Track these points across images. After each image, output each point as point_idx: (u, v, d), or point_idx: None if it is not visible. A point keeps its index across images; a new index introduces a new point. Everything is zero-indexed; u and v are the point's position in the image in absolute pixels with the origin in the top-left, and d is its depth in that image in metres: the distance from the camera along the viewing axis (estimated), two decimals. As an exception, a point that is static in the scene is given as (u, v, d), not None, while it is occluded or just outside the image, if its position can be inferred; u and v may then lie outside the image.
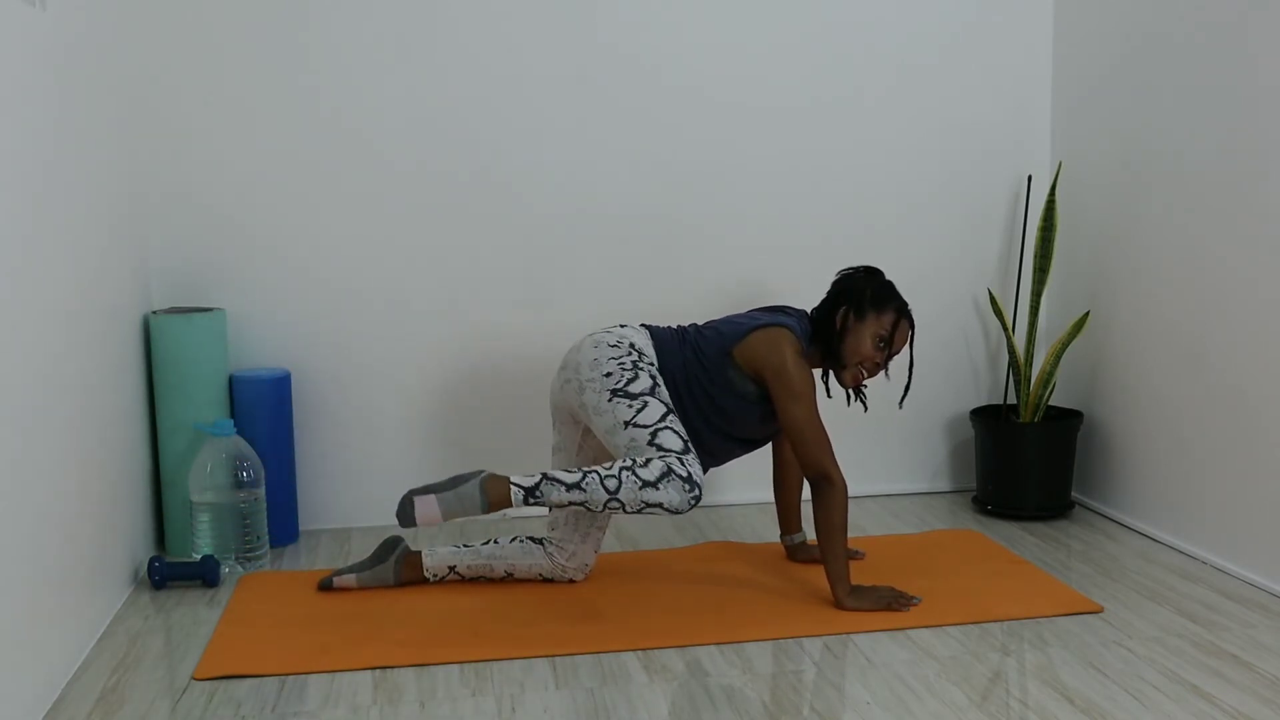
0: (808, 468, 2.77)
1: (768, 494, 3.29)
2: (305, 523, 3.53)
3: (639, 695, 2.39)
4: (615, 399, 2.72)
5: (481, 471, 2.65)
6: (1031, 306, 3.66)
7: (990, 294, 3.74)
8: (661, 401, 2.74)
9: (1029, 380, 3.62)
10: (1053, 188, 3.60)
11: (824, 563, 2.80)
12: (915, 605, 2.79)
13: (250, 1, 3.35)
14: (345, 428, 3.54)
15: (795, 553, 3.17)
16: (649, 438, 2.67)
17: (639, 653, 2.59)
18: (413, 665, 2.53)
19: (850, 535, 3.37)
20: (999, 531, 3.45)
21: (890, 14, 3.67)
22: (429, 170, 3.48)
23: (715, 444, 2.90)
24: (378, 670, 2.52)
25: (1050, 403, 3.71)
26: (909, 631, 2.69)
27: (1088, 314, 3.59)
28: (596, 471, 2.61)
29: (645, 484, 2.60)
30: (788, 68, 3.63)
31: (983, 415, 3.67)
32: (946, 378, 3.85)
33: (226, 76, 3.36)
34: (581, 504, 2.61)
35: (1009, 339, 3.64)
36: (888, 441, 3.83)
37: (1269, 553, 2.93)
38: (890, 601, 2.78)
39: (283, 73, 3.39)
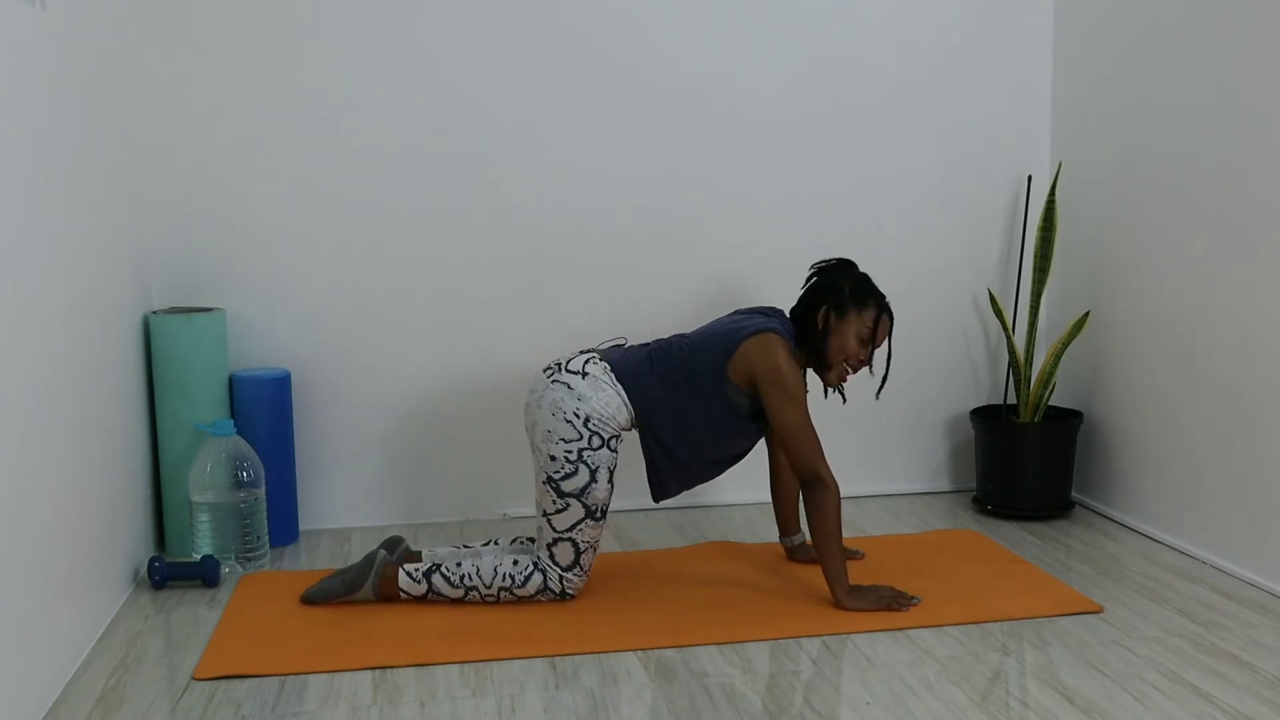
0: (800, 469, 2.77)
1: (767, 494, 3.29)
2: (305, 523, 3.53)
3: (639, 695, 2.39)
4: (547, 486, 2.80)
5: (376, 559, 2.86)
6: (1031, 306, 3.66)
7: (990, 294, 3.74)
8: (584, 504, 2.78)
9: (1029, 380, 3.62)
10: (1053, 188, 3.60)
11: (821, 564, 2.80)
12: (915, 605, 2.79)
13: (251, 2, 3.35)
14: (345, 428, 3.54)
15: (795, 553, 3.17)
16: (550, 540, 2.82)
17: (639, 653, 2.59)
18: (413, 665, 2.53)
19: (850, 535, 3.38)
20: (999, 531, 3.45)
21: (890, 14, 3.67)
22: (428, 171, 3.48)
23: (706, 470, 2.92)
24: (378, 670, 2.52)
25: (1050, 403, 3.71)
26: (909, 631, 2.69)
27: (1088, 314, 3.59)
28: (477, 589, 2.83)
29: (520, 598, 2.85)
30: (787, 68, 3.63)
31: (983, 415, 3.67)
32: (946, 378, 3.85)
33: (227, 77, 3.36)
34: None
35: (1009, 339, 3.64)
36: (888, 441, 3.83)
37: (1269, 553, 2.93)
38: (890, 601, 2.78)
39: (283, 74, 3.39)
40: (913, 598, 2.81)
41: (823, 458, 2.77)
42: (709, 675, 2.48)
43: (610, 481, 2.81)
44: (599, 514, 2.81)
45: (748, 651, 2.60)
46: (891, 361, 3.03)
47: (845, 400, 3.08)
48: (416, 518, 3.60)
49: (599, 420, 2.78)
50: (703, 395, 2.81)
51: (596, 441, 2.77)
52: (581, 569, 2.83)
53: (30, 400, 2.34)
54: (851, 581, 2.81)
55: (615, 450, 2.82)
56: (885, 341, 2.93)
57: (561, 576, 2.82)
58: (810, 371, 2.98)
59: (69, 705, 2.36)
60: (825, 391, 3.04)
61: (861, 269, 2.99)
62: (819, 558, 2.80)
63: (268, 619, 2.79)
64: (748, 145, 3.63)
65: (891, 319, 2.92)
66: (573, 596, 2.86)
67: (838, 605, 2.78)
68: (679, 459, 2.87)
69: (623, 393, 2.81)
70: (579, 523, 2.80)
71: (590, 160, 3.56)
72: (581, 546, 2.82)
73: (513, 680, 2.46)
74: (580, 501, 2.78)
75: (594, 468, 2.77)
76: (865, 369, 2.95)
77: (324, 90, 3.41)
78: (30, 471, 2.33)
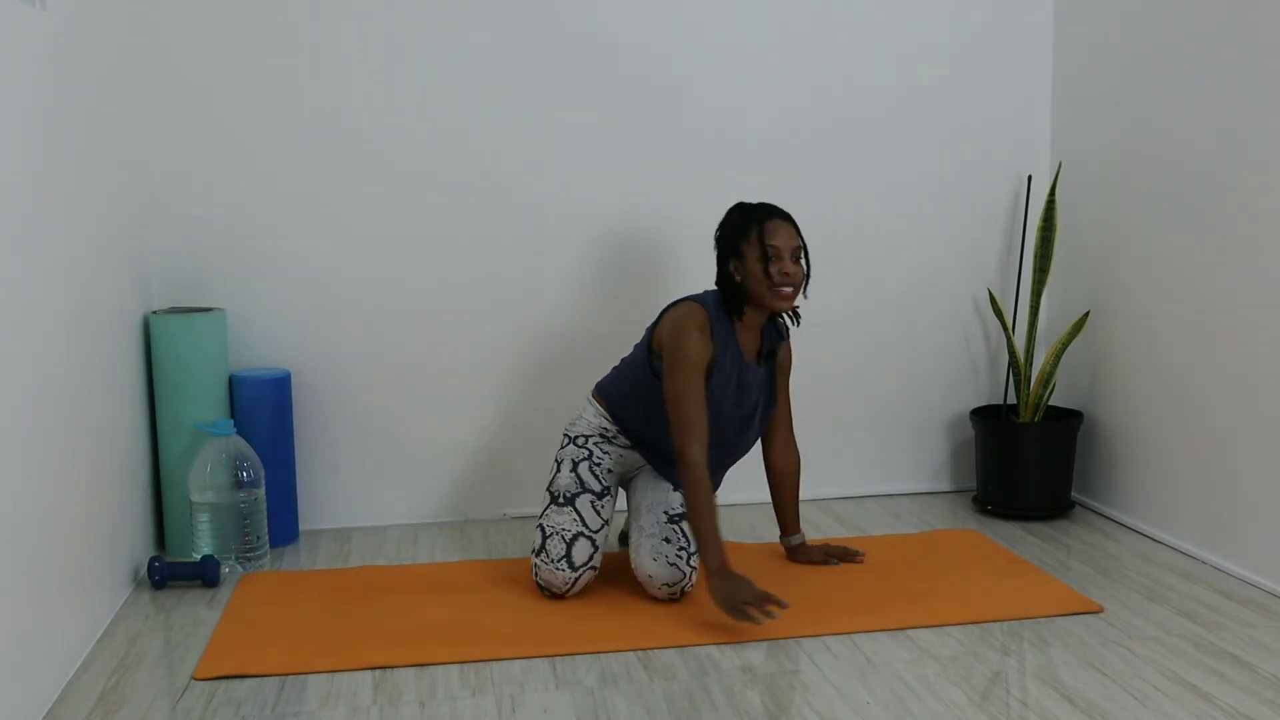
0: (673, 442, 2.77)
1: (766, 495, 3.29)
2: (305, 523, 3.53)
3: (639, 695, 2.39)
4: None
5: None
6: (1031, 306, 3.66)
7: (990, 294, 3.74)
8: (549, 492, 2.94)
9: (1029, 380, 3.62)
10: (1053, 188, 3.60)
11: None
12: (774, 619, 2.60)
13: (250, 5, 3.35)
14: (345, 428, 3.54)
15: (795, 554, 3.17)
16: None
17: (639, 653, 2.59)
18: (413, 665, 2.53)
19: (850, 535, 3.40)
20: (999, 531, 3.45)
21: (890, 15, 3.66)
22: (428, 171, 3.48)
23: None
24: (378, 670, 2.52)
25: (1050, 403, 3.71)
26: (909, 631, 2.69)
27: (1088, 314, 3.59)
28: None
29: (533, 565, 2.94)
30: (787, 68, 3.63)
31: (983, 415, 3.67)
32: (946, 378, 3.85)
33: (227, 77, 3.36)
34: None
35: (1009, 339, 3.64)
36: (888, 441, 3.83)
37: (1269, 553, 2.93)
38: (746, 604, 2.59)
39: (284, 74, 3.39)
40: (776, 608, 2.60)
41: (692, 435, 2.71)
42: (709, 675, 2.48)
43: (575, 473, 2.94)
44: (560, 499, 2.91)
45: (748, 651, 2.60)
46: (810, 257, 2.91)
47: (799, 322, 3.00)
48: (416, 518, 3.60)
49: (569, 425, 3.06)
50: (644, 372, 2.91)
51: (564, 440, 3.02)
52: (549, 555, 2.85)
53: (31, 401, 2.34)
54: (845, 583, 2.81)
55: (583, 447, 2.98)
56: (794, 242, 2.85)
57: (534, 555, 2.89)
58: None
59: (69, 705, 2.36)
60: (787, 319, 2.99)
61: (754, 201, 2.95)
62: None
63: (268, 619, 2.79)
64: (747, 144, 3.63)
65: (778, 216, 2.86)
66: (545, 590, 2.88)
67: (705, 580, 2.70)
68: (657, 447, 2.94)
69: (595, 402, 3.03)
70: (545, 509, 2.94)
71: (592, 161, 3.56)
72: (547, 531, 2.88)
73: (513, 680, 2.46)
74: (548, 491, 2.97)
75: (559, 460, 2.98)
76: (805, 280, 2.88)
77: (324, 91, 3.41)
78: (31, 472, 2.33)
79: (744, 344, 2.92)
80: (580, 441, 2.99)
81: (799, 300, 2.90)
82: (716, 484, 3.00)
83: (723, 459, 2.98)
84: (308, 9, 3.38)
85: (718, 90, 3.60)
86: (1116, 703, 2.33)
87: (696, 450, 2.72)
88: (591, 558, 2.88)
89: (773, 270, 2.82)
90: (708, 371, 2.81)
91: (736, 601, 2.62)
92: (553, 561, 2.86)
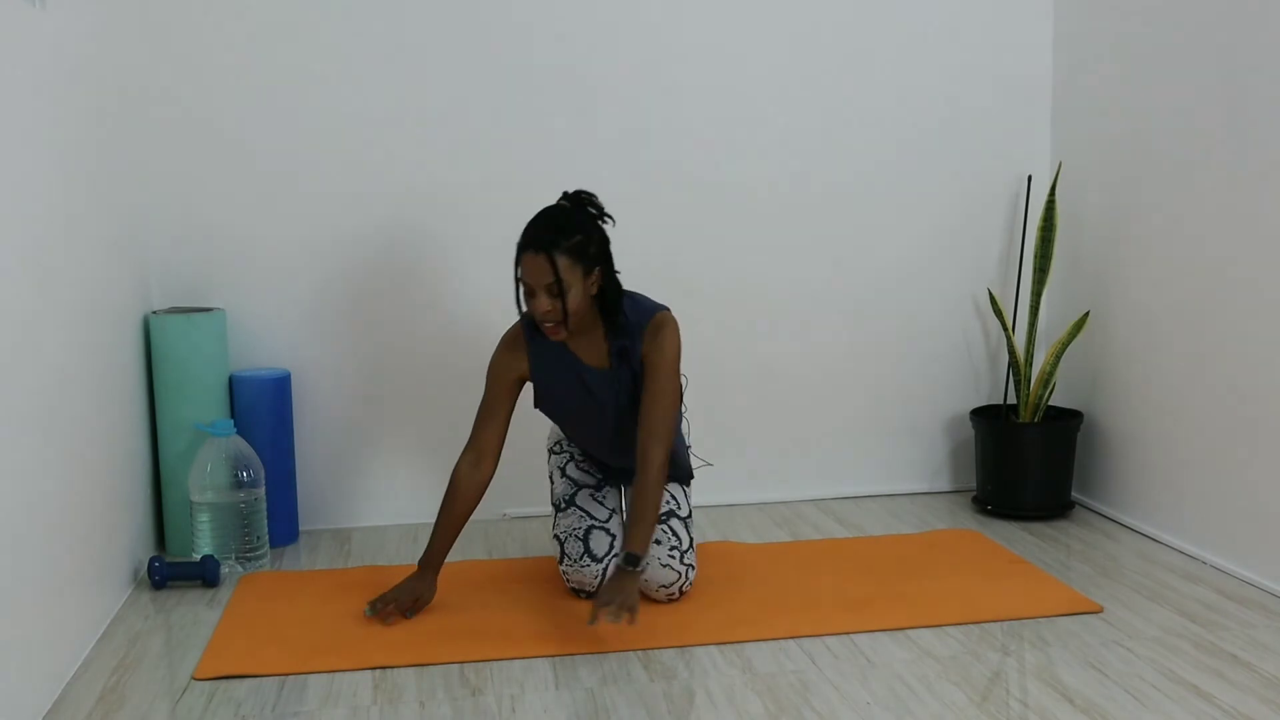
0: None
1: (767, 494, 3.29)
2: (305, 523, 3.53)
3: (639, 695, 2.39)
4: None
5: None
6: (1031, 306, 3.66)
7: (990, 294, 3.74)
8: (552, 505, 3.01)
9: (1029, 380, 3.62)
10: (1053, 188, 3.60)
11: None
12: (386, 622, 2.73)
13: (251, 5, 3.35)
14: (345, 428, 3.54)
15: (606, 584, 2.65)
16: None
17: (639, 653, 2.59)
18: (413, 665, 2.53)
19: (850, 535, 3.39)
20: (999, 531, 3.45)
21: (890, 15, 3.66)
22: (428, 171, 3.48)
23: (602, 446, 2.98)
24: (378, 670, 2.52)
25: (1050, 403, 3.71)
26: (909, 631, 2.69)
27: (1088, 314, 3.59)
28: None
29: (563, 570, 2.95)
30: (789, 65, 3.63)
31: (983, 415, 3.67)
32: (946, 378, 3.85)
33: (226, 77, 3.36)
34: None
35: (1009, 339, 3.64)
36: (888, 441, 3.83)
37: (1269, 553, 2.93)
38: (391, 602, 2.76)
39: (283, 73, 3.39)
40: (388, 618, 2.73)
41: (467, 443, 2.84)
42: (709, 675, 2.48)
43: (565, 476, 3.02)
44: (562, 504, 2.96)
45: (748, 651, 2.60)
46: (567, 293, 2.60)
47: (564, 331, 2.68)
48: (416, 517, 3.59)
49: (547, 439, 3.19)
50: None
51: (548, 455, 3.14)
52: (570, 558, 2.87)
53: (31, 401, 2.34)
54: (849, 580, 2.80)
55: (562, 453, 3.08)
56: (544, 279, 2.58)
57: (561, 571, 2.91)
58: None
59: (69, 705, 2.36)
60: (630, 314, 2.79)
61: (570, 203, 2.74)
62: None
63: (268, 619, 2.80)
64: (747, 142, 3.63)
65: (530, 249, 2.58)
66: (575, 590, 2.89)
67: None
68: (599, 461, 3.01)
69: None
70: (554, 520, 2.97)
71: (592, 158, 3.55)
72: (562, 536, 2.90)
73: (513, 680, 2.46)
74: (551, 505, 3.02)
75: (550, 474, 3.08)
76: (566, 314, 2.62)
77: (325, 88, 3.41)
78: (31, 472, 2.33)
79: (581, 350, 2.79)
80: (558, 449, 3.10)
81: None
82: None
83: (621, 450, 2.86)
84: (310, 8, 3.38)
85: (716, 89, 3.60)
86: (1116, 703, 2.33)
87: (463, 461, 2.82)
88: (612, 546, 2.87)
89: (526, 305, 2.67)
90: (526, 380, 2.87)
91: (395, 595, 2.77)
92: (576, 561, 2.86)
